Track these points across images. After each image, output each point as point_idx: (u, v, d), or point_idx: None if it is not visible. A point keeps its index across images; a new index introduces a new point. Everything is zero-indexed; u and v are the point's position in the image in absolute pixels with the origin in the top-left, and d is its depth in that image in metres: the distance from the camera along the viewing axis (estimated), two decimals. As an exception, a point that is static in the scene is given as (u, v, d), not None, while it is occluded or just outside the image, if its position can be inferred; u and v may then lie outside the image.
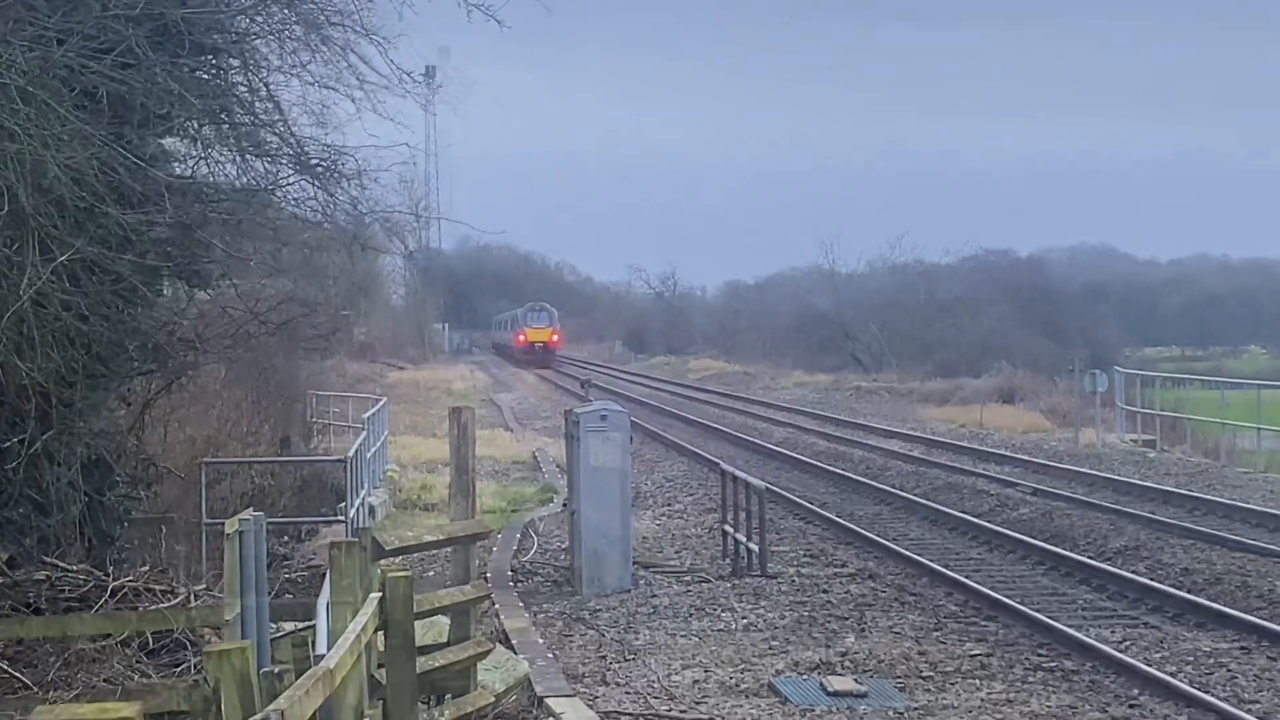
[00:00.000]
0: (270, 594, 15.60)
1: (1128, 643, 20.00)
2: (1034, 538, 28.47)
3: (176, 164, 20.49)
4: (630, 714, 16.87)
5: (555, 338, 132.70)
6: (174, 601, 17.96)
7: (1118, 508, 32.00)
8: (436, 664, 13.65)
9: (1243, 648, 19.76)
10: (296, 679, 8.95)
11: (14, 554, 18.44)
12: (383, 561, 14.56)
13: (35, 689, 16.06)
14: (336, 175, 22.11)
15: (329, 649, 10.31)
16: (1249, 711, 16.55)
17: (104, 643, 16.92)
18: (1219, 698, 17.06)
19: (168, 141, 20.04)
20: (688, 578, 25.43)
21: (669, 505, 34.50)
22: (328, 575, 13.33)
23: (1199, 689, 17.44)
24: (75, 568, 18.65)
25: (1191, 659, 19.14)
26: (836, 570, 25.94)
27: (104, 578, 18.33)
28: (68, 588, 18.00)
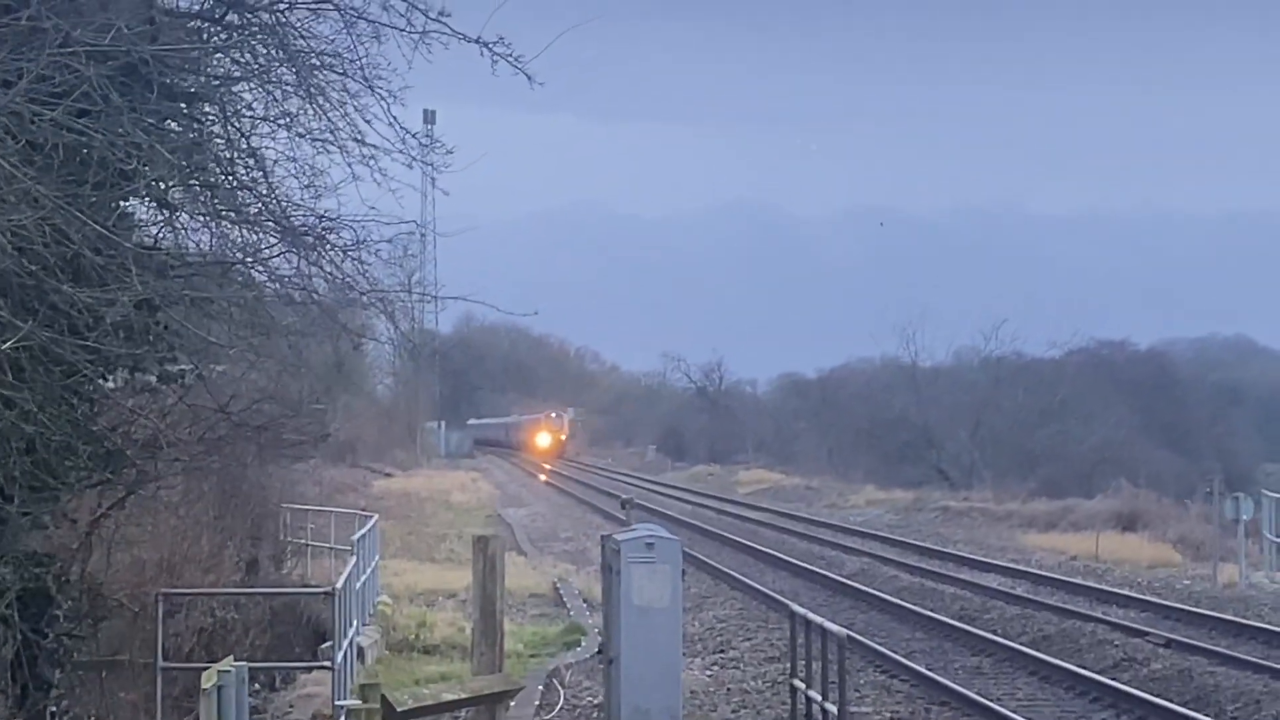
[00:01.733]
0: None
1: None
2: (1171, 700, 28.10)
3: (140, 231, 20.41)
4: None
5: (564, 437, 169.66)
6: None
7: (1272, 665, 31.71)
8: None
9: None
10: None
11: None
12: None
13: None
14: (326, 247, 22.09)
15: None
16: None
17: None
18: None
19: (131, 204, 19.98)
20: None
21: (722, 652, 34.36)
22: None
23: None
24: (7, 722, 18.60)
25: None
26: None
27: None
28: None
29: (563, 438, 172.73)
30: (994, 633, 36.89)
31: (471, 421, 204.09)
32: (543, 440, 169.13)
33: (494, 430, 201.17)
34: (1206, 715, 26.84)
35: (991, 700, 28.38)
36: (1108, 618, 39.06)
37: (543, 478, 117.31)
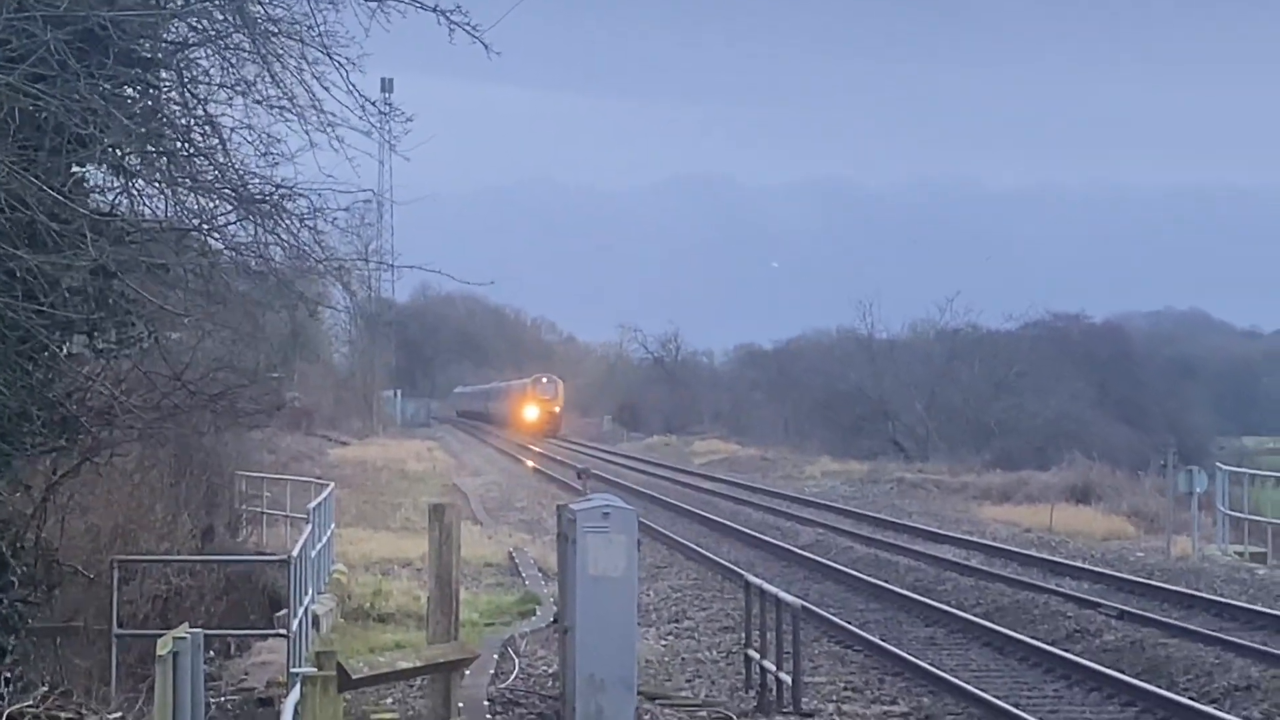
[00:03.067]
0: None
1: None
2: (1123, 671, 28.21)
3: (96, 197, 20.36)
4: None
5: (558, 409, 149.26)
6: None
7: (1223, 636, 31.76)
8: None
9: None
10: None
11: None
12: (347, 694, 14.47)
13: None
14: (282, 215, 22.04)
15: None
16: None
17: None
18: None
19: (87, 170, 19.93)
20: (703, 713, 25.27)
21: (677, 622, 34.39)
22: (288, 712, 13.25)
23: None
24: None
25: None
26: (886, 709, 25.81)
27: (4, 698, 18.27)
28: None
29: (556, 410, 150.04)
30: (948, 604, 36.97)
31: (459, 389, 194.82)
32: (530, 413, 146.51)
33: (471, 400, 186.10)
34: (1158, 686, 26.90)
35: (945, 671, 28.45)
36: (1061, 589, 39.17)
37: (498, 445, 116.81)
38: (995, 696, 26.05)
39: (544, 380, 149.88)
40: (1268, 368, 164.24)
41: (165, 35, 20.47)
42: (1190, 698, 26.06)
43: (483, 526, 53.79)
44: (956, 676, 27.85)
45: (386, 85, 42.66)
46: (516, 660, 29.15)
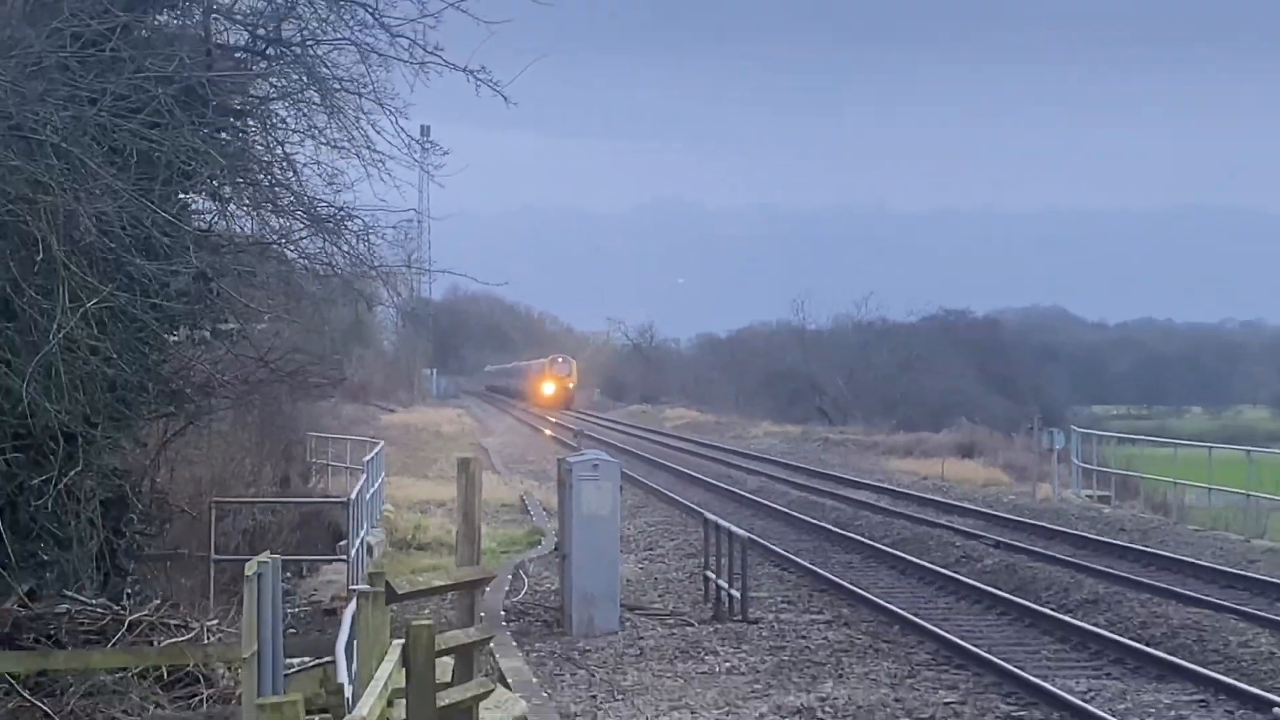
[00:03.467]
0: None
1: (1092, 693, 19.85)
2: (999, 589, 28.31)
3: (197, 218, 20.35)
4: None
5: (572, 385, 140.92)
6: (186, 636, 17.83)
7: (1077, 561, 31.89)
8: (445, 703, 13.54)
9: (1201, 701, 19.61)
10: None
11: (34, 587, 18.32)
12: (394, 604, 14.41)
13: (57, 718, 15.93)
14: (344, 232, 22.06)
15: (354, 691, 10.20)
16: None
17: (122, 675, 16.78)
18: None
19: (190, 197, 19.91)
20: (671, 621, 25.33)
21: (651, 550, 34.35)
22: (348, 618, 13.21)
23: None
24: (93, 602, 18.52)
25: (1153, 711, 18.99)
26: (814, 617, 25.83)
27: (120, 611, 18.20)
28: (87, 621, 17.86)
29: (570, 386, 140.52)
30: (863, 536, 36.96)
31: (488, 368, 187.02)
32: (548, 389, 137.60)
33: (497, 377, 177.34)
34: (1026, 600, 26.97)
35: (860, 588, 28.48)
36: (951, 525, 39.14)
37: (515, 414, 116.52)
38: (899, 608, 26.12)
39: (559, 360, 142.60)
40: (1111, 352, 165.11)
41: (251, 91, 20.48)
42: (1051, 609, 26.12)
43: (500, 476, 53.59)
44: (869, 592, 27.91)
45: (425, 130, 42.53)
46: (525, 580, 29.19)
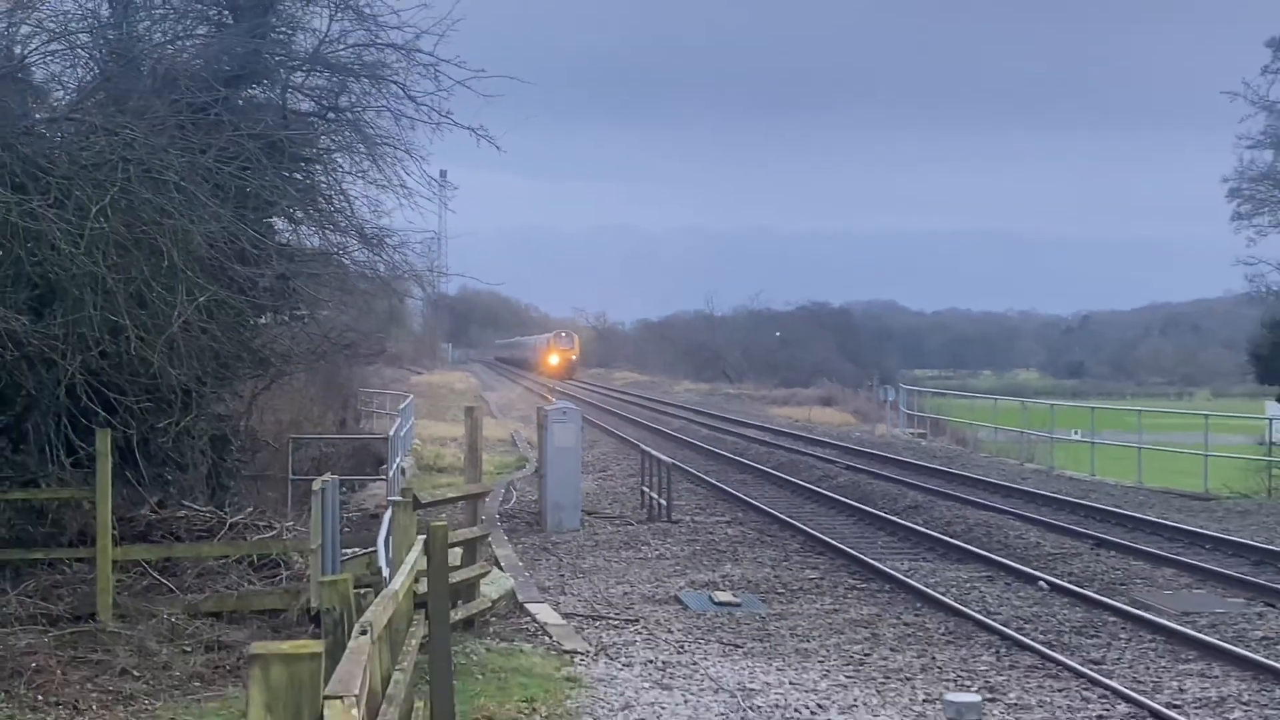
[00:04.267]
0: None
1: (912, 571, 19.99)
2: (848, 498, 28.44)
3: (278, 235, 20.23)
4: (581, 614, 16.76)
5: (574, 357, 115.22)
6: (271, 534, 17.82)
7: (902, 478, 31.99)
8: (455, 580, 13.52)
9: (988, 577, 19.78)
10: (358, 593, 8.79)
11: (161, 499, 18.26)
12: (420, 511, 14.37)
13: (178, 592, 15.91)
14: (384, 246, 21.99)
15: (390, 572, 10.17)
16: (993, 619, 16.59)
17: (224, 561, 16.79)
18: (974, 610, 17.11)
19: (272, 220, 19.81)
20: (618, 521, 25.32)
21: (604, 472, 34.21)
22: (386, 520, 13.18)
23: (960, 604, 17.50)
24: (204, 509, 18.51)
25: (955, 584, 19.14)
26: (718, 519, 25.87)
27: (223, 516, 18.17)
28: (199, 523, 17.85)
29: (573, 358, 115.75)
30: (753, 461, 36.97)
31: (497, 341, 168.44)
32: (553, 360, 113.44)
33: (505, 349, 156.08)
34: (867, 506, 27.08)
35: (750, 498, 28.50)
36: (814, 453, 39.23)
37: (509, 376, 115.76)
38: (778, 512, 26.16)
39: (563, 334, 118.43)
40: (928, 332, 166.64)
41: (318, 144, 20.35)
42: (884, 512, 26.22)
43: (496, 419, 53.41)
44: (757, 501, 27.94)
45: (443, 174, 42.31)
46: (514, 493, 29.09)
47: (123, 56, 17.96)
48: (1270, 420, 36.15)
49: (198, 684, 13.12)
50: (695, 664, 14.28)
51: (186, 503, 18.48)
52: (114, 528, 15.55)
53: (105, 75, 17.97)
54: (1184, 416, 53.39)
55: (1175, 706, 12.79)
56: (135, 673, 13.40)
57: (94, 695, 12.72)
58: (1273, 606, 17.67)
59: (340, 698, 3.65)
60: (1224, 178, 42.97)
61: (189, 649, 14.11)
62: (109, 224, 14.73)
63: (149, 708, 12.36)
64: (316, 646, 3.38)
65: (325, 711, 3.31)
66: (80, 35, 17.99)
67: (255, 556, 16.94)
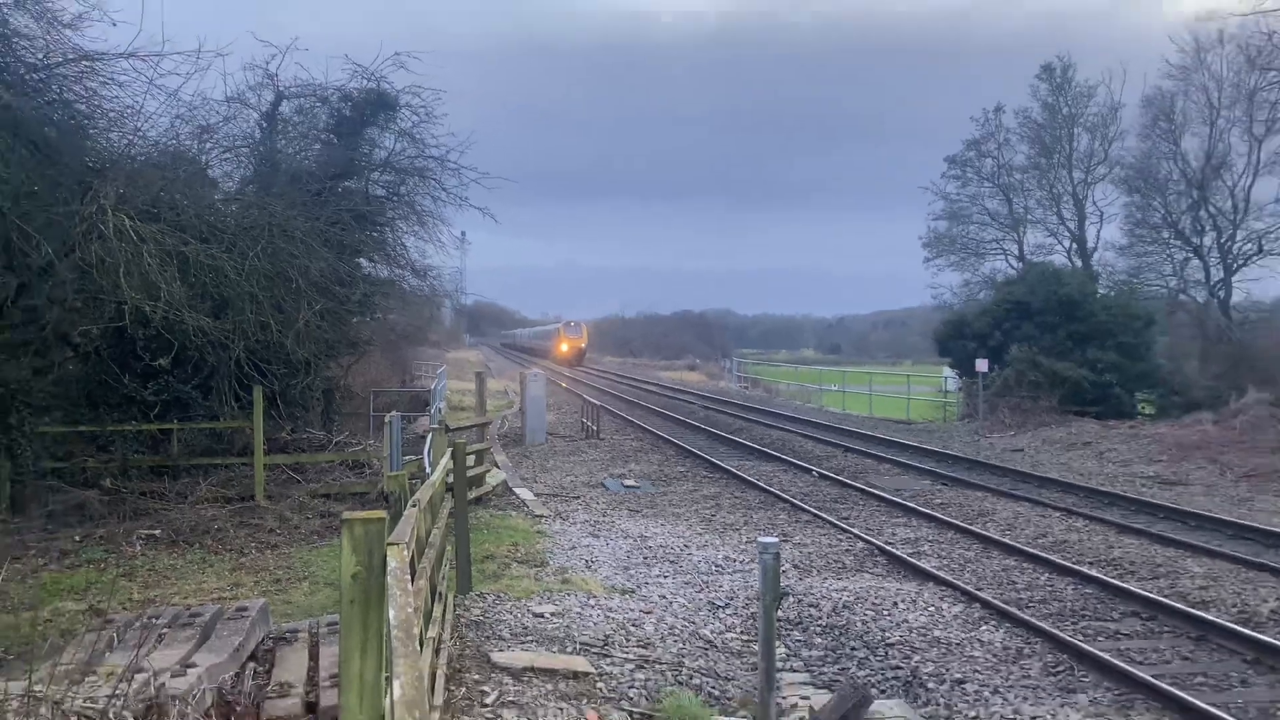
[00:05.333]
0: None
1: (739, 467, 20.11)
2: (703, 425, 28.54)
3: (363, 269, 20.05)
4: (546, 494, 16.84)
5: (583, 345, 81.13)
6: (359, 447, 17.70)
7: (733, 413, 32.29)
8: (471, 474, 13.57)
9: (783, 469, 20.01)
10: (410, 483, 8.80)
11: (294, 427, 18.05)
12: (449, 433, 14.40)
13: (304, 483, 15.74)
14: (428, 276, 21.87)
15: (431, 470, 10.22)
16: (786, 494, 16.82)
17: (331, 464, 16.64)
18: (775, 488, 17.31)
19: (360, 260, 19.63)
20: (568, 438, 25.30)
21: (559, 410, 33.79)
22: (429, 439, 13.18)
23: (767, 485, 17.67)
24: (319, 432, 18.31)
25: (769, 474, 19.30)
26: (626, 437, 25.86)
27: (331, 437, 18.03)
28: (316, 442, 17.63)
29: (582, 346, 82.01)
30: (647, 403, 36.84)
31: (504, 332, 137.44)
32: (564, 348, 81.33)
33: (517, 338, 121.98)
34: (714, 429, 27.22)
35: (645, 425, 28.45)
36: (683, 399, 39.39)
37: (505, 356, 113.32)
38: (662, 433, 26.21)
39: (571, 324, 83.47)
40: (750, 327, 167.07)
41: (387, 215, 20.14)
42: (724, 433, 26.36)
43: (495, 379, 52.95)
44: (650, 427, 27.98)
45: (464, 234, 42.27)
46: (506, 422, 28.97)
47: (267, 161, 17.79)
48: (945, 378, 36.91)
49: (316, 537, 13.10)
50: (613, 522, 14.44)
51: (309, 430, 18.32)
52: (264, 445, 15.45)
53: (257, 173, 17.79)
54: (896, 377, 54.34)
55: (889, 543, 13.17)
56: (277, 531, 13.35)
57: (252, 544, 12.69)
58: (946, 485, 18.16)
59: (396, 544, 3.76)
60: (920, 236, 43.82)
61: (310, 517, 14.06)
62: (259, 262, 14.62)
63: (285, 552, 12.34)
64: (382, 514, 3.49)
65: (387, 552, 3.43)
66: (241, 149, 17.79)
67: (350, 461, 16.83)
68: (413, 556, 5.05)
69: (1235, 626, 8.89)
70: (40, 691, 4.57)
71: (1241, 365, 25.65)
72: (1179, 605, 9.68)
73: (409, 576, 3.54)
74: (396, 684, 2.45)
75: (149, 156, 14.76)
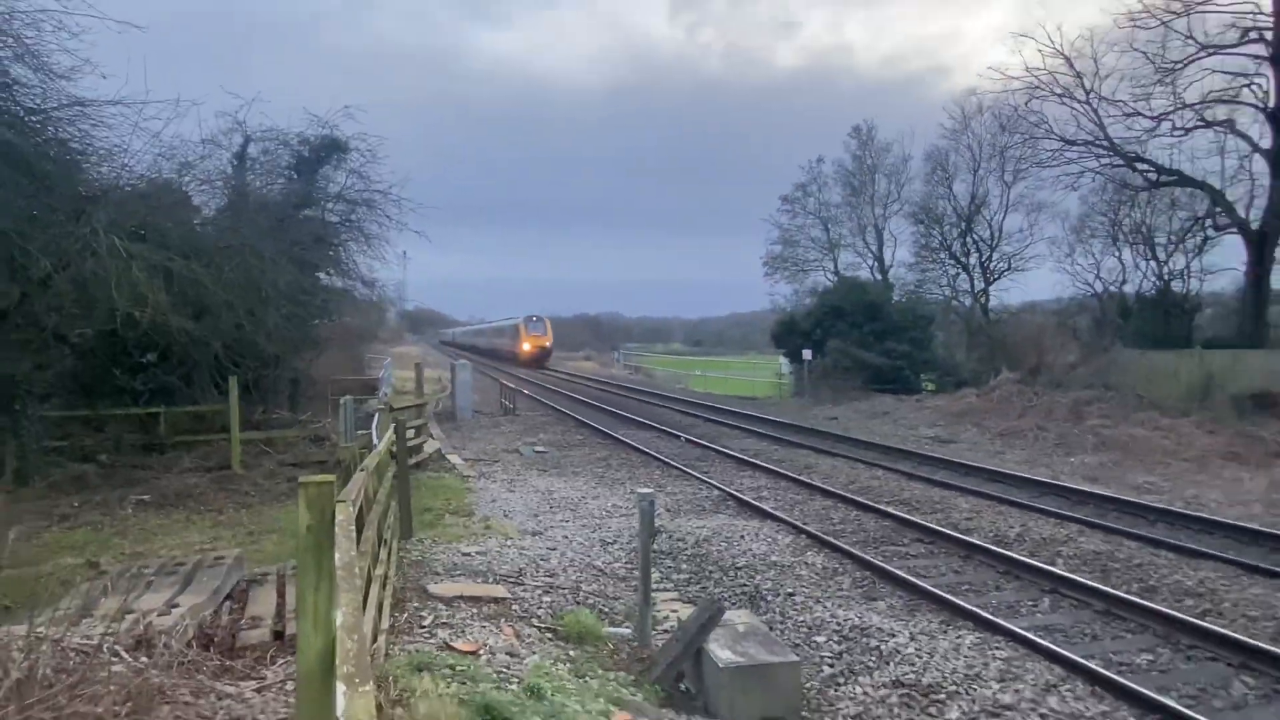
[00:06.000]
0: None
1: (625, 435, 20.01)
2: (597, 403, 28.29)
3: (322, 281, 19.23)
4: (472, 459, 16.56)
5: (548, 344, 53.16)
6: (320, 423, 17.07)
7: (622, 394, 32.23)
8: (410, 444, 13.23)
9: (659, 436, 19.99)
10: (361, 452, 8.55)
11: (265, 409, 17.27)
12: (393, 412, 14.01)
13: (274, 454, 15.11)
14: (376, 286, 21.14)
15: (377, 442, 9.95)
16: (660, 455, 16.84)
17: (297, 437, 16.00)
18: (653, 451, 17.22)
19: (319, 274, 18.82)
20: (490, 415, 24.89)
21: (483, 392, 33.31)
22: (377, 417, 12.81)
23: (647, 449, 17.54)
24: (287, 414, 17.58)
25: (648, 440, 19.23)
26: (537, 413, 25.46)
27: (296, 417, 17.33)
28: (284, 421, 16.94)
29: (547, 344, 52.50)
30: (555, 386, 36.40)
31: (447, 330, 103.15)
32: (525, 348, 52.36)
33: (465, 337, 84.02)
34: (607, 406, 27.01)
35: (553, 404, 28.07)
36: (583, 384, 39.14)
37: (439, 349, 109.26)
38: (565, 410, 25.93)
39: (534, 318, 54.01)
40: (633, 325, 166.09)
41: (341, 238, 19.35)
42: (616, 410, 26.22)
43: (430, 369, 51.60)
44: (559, 407, 27.61)
45: (405, 252, 41.11)
46: (440, 403, 28.34)
47: (239, 193, 16.91)
48: (781, 365, 37.88)
49: (285, 498, 12.57)
50: (526, 480, 14.31)
51: (278, 411, 17.56)
52: (240, 424, 14.74)
53: (230, 202, 16.89)
54: (745, 364, 55.33)
55: (739, 490, 13.40)
56: (251, 494, 12.79)
57: (230, 505, 12.12)
58: (781, 445, 18.55)
59: (344, 501, 3.66)
60: (761, 257, 44.98)
61: (279, 482, 13.49)
62: (234, 275, 13.92)
63: (258, 510, 11.84)
64: (332, 478, 3.40)
65: (336, 508, 3.33)
66: (216, 183, 16.89)
67: (313, 436, 16.21)
68: (361, 511, 4.91)
69: (992, 547, 9.37)
70: (42, 632, 4.28)
71: (996, 353, 27.13)
72: (951, 533, 10.13)
73: (354, 528, 3.46)
74: (339, 612, 2.40)
75: (135, 187, 13.87)
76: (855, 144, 40.83)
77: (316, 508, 3.16)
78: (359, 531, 4.24)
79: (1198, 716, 5.33)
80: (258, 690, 4.75)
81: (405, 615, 6.52)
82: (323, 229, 17.95)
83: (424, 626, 6.32)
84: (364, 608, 3.38)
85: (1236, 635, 6.52)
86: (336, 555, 2.90)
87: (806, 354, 30.92)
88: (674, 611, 7.78)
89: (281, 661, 5.35)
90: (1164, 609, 7.12)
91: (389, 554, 6.99)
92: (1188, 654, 6.45)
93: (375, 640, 4.58)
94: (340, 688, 2.28)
